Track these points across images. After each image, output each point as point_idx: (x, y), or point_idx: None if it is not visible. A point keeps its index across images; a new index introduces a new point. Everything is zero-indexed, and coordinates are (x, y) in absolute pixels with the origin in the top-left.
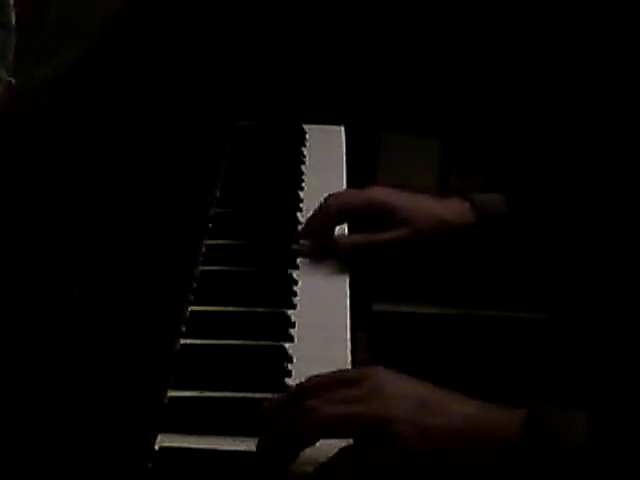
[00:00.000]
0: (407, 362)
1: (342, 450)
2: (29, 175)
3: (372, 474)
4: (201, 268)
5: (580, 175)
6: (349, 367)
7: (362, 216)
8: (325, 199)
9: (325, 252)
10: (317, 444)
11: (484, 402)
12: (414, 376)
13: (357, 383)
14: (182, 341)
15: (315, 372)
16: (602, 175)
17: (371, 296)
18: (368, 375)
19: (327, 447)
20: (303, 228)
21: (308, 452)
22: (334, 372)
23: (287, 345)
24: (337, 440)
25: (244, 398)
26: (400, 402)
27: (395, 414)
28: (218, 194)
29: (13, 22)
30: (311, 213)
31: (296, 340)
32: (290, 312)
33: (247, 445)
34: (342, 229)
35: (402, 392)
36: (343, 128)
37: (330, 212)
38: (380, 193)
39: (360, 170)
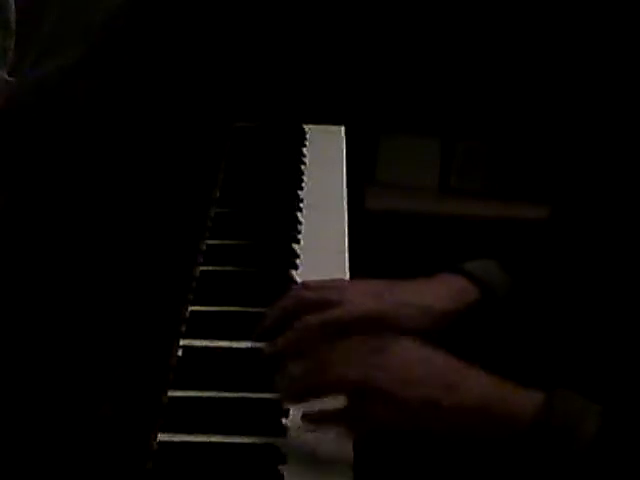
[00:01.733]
0: None
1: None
2: (29, 175)
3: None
4: (201, 268)
5: (580, 176)
6: None
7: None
8: (297, 318)
9: None
10: None
11: (501, 380)
12: None
13: (376, 350)
14: (182, 341)
15: None
16: (602, 176)
17: None
18: (387, 342)
19: None
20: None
21: None
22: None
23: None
24: None
25: (244, 398)
26: (412, 373)
27: (407, 385)
28: (218, 194)
29: (13, 22)
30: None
31: None
32: None
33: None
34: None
35: (417, 364)
36: (343, 128)
37: (306, 331)
38: (358, 305)
39: (360, 170)
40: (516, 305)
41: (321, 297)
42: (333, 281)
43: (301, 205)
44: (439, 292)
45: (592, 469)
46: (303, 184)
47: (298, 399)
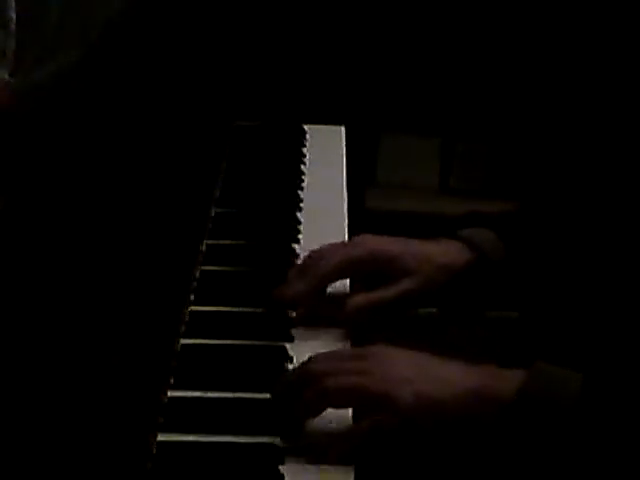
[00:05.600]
0: None
1: (352, 427)
2: (29, 175)
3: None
4: (201, 268)
5: (580, 176)
6: None
7: (361, 272)
8: (313, 257)
9: (323, 317)
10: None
11: (483, 366)
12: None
13: (360, 357)
14: (182, 341)
15: None
16: (602, 176)
17: None
18: (370, 350)
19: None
20: (292, 295)
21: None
22: (338, 350)
23: (287, 345)
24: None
25: (244, 398)
26: (401, 373)
27: (397, 384)
28: (218, 194)
29: (13, 22)
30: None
31: (296, 340)
32: (290, 312)
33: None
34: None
35: (403, 363)
36: (343, 128)
37: (322, 276)
38: (371, 244)
39: (360, 170)
40: (510, 271)
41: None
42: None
43: (301, 205)
44: (439, 248)
45: (575, 437)
46: (303, 184)
47: (320, 403)
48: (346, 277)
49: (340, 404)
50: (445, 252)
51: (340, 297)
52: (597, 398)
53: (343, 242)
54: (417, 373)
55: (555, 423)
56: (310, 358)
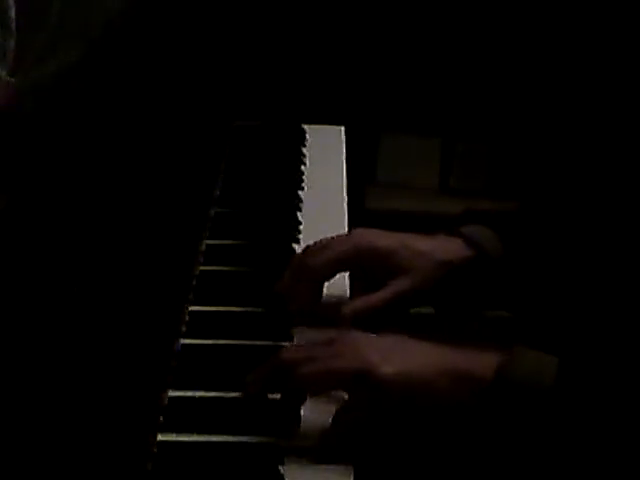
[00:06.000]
0: None
1: (337, 412)
2: (29, 175)
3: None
4: (201, 268)
5: (579, 176)
6: None
7: (356, 268)
8: (303, 256)
9: (320, 318)
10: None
11: (462, 347)
12: None
13: (332, 342)
14: (182, 341)
15: None
16: (601, 176)
17: None
18: (341, 335)
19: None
20: (287, 294)
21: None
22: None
23: (287, 345)
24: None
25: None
26: (376, 349)
27: (373, 360)
28: (218, 194)
29: (13, 22)
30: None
31: (296, 340)
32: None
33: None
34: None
35: (376, 341)
36: (343, 128)
37: (314, 273)
38: (367, 239)
39: (360, 170)
40: (507, 269)
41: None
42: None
43: (301, 205)
44: (437, 244)
45: (551, 419)
46: (303, 184)
47: (297, 391)
48: (341, 272)
49: (318, 389)
50: (443, 248)
51: (338, 297)
52: (572, 383)
53: (340, 237)
54: (393, 351)
55: (531, 406)
56: (280, 350)
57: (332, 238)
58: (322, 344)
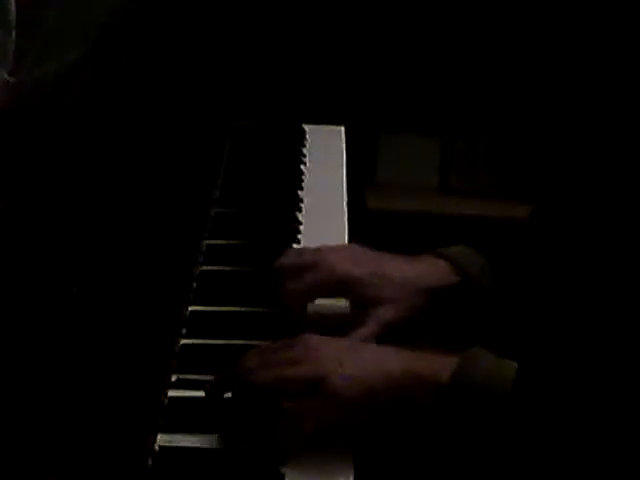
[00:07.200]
0: None
1: (282, 413)
2: (29, 175)
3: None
4: (201, 268)
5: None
6: None
7: (333, 296)
8: (285, 276)
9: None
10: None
11: (420, 351)
12: None
13: (289, 347)
14: (182, 341)
15: None
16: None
17: None
18: (299, 340)
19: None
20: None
21: None
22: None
23: None
24: None
25: None
26: (331, 356)
27: (327, 368)
28: (218, 194)
29: (13, 22)
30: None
31: None
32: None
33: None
34: None
35: (333, 350)
36: (343, 128)
37: (293, 298)
38: (345, 268)
39: (360, 170)
40: (495, 294)
41: (297, 262)
42: (316, 248)
43: (301, 205)
44: (422, 269)
45: (507, 422)
46: (303, 184)
47: (252, 397)
48: (322, 298)
49: (274, 397)
50: (427, 273)
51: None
52: (529, 386)
53: (325, 259)
54: (347, 357)
55: (486, 408)
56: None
57: (315, 259)
58: (280, 348)
